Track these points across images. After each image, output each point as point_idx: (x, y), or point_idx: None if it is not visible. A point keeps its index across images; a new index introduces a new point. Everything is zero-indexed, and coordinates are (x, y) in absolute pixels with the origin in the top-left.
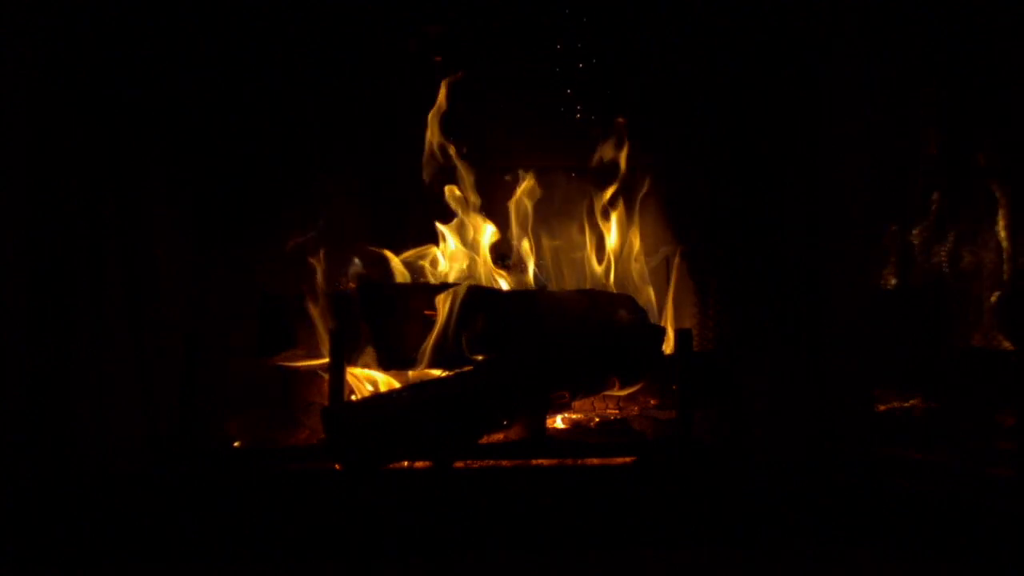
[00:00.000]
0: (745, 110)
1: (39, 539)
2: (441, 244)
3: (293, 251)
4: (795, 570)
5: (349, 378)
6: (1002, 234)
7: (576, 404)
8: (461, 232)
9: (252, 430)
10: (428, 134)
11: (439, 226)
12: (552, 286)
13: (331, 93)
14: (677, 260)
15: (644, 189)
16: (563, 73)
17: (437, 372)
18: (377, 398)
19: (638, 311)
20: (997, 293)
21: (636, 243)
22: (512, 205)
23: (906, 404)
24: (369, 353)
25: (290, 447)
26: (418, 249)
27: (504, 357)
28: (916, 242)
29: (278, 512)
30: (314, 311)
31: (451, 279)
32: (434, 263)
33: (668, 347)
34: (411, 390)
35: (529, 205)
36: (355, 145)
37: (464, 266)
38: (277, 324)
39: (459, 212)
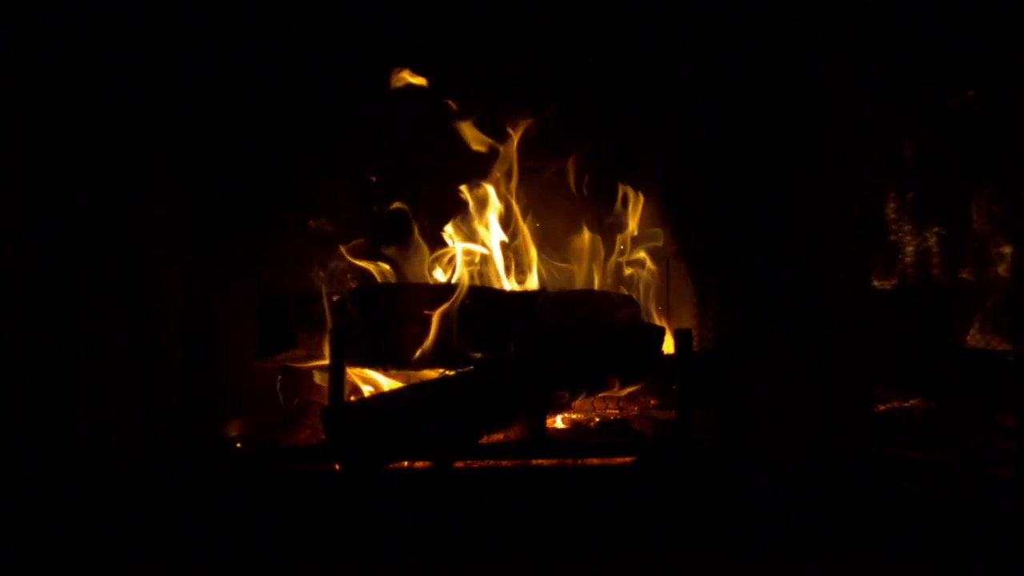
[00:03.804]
0: (745, 110)
1: (39, 539)
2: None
3: (293, 251)
4: (795, 570)
5: (349, 378)
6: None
7: (576, 404)
8: (460, 233)
9: (252, 430)
10: None
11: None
12: (552, 286)
13: (331, 93)
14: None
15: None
16: (564, 73)
17: (437, 372)
18: (377, 398)
19: (638, 311)
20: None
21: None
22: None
23: (906, 404)
24: (369, 353)
25: (290, 447)
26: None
27: (504, 357)
28: (916, 242)
29: (278, 512)
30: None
31: (452, 280)
32: (435, 264)
33: (668, 347)
34: (411, 390)
35: (528, 206)
36: (355, 146)
37: (464, 266)
38: (277, 324)
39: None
